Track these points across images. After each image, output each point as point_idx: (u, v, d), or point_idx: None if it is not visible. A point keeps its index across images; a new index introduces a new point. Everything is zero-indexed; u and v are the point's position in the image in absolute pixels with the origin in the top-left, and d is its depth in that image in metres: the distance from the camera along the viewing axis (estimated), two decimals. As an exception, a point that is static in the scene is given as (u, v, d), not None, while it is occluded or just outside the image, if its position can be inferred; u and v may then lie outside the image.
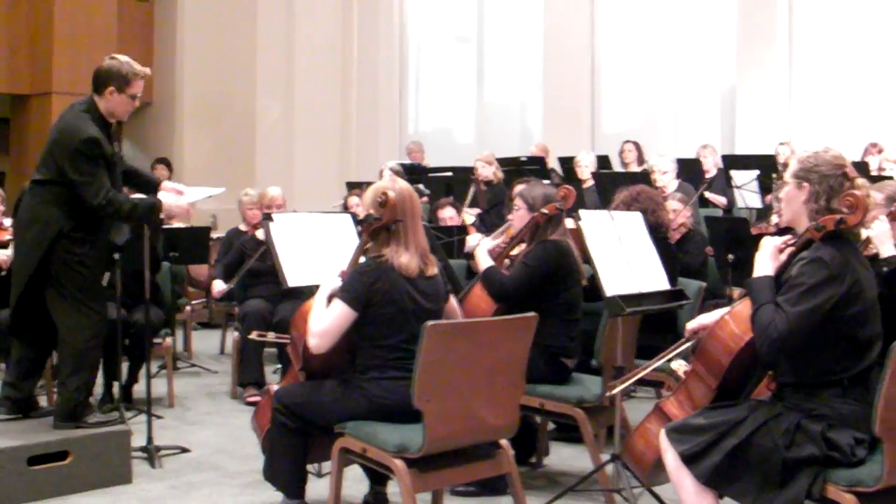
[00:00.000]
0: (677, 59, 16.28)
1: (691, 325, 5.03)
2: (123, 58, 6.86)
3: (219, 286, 10.24)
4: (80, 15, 17.02)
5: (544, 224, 6.67)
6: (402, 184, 5.64)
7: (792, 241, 4.65)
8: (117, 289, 7.93)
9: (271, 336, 8.24)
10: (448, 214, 10.93)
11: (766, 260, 4.66)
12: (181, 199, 7.10)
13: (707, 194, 12.17)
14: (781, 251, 4.65)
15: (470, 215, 11.40)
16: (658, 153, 12.31)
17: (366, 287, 5.29)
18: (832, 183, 4.57)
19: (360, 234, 6.00)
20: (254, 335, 7.84)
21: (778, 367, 4.69)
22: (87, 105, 6.75)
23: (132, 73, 6.80)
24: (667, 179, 11.34)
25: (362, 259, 5.51)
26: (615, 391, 5.71)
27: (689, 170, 12.17)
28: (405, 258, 5.37)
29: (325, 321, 5.34)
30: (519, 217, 6.81)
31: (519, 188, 7.75)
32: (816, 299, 4.37)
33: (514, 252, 6.92)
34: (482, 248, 6.72)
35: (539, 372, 6.31)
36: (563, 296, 6.62)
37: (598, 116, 17.12)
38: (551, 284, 6.59)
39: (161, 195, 6.98)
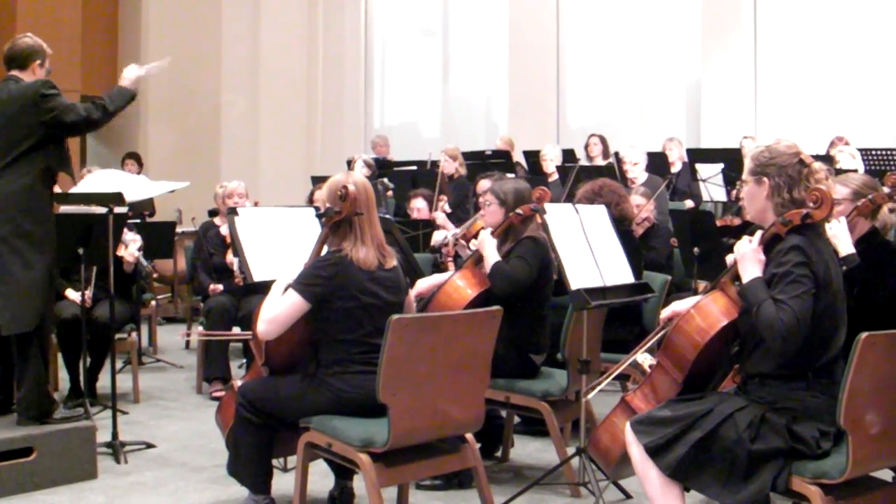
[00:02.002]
0: (642, 53, 16.30)
1: (665, 312, 5.02)
2: (33, 36, 7.00)
3: (212, 286, 9.96)
4: (44, 10, 16.95)
5: (519, 224, 6.66)
6: (359, 177, 5.65)
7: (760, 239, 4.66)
8: (83, 284, 7.92)
9: (235, 331, 8.21)
10: (419, 205, 10.86)
11: (750, 264, 4.65)
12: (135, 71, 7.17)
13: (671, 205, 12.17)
14: (758, 250, 4.66)
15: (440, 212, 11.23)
16: (630, 145, 12.31)
17: (322, 280, 5.29)
18: (790, 172, 4.59)
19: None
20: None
21: (743, 361, 4.71)
22: (17, 81, 6.83)
23: (47, 50, 6.99)
24: (637, 171, 11.36)
25: (323, 252, 5.50)
26: (591, 395, 5.70)
27: (654, 163, 12.18)
28: (363, 251, 5.37)
29: (276, 309, 5.35)
30: (490, 212, 6.79)
31: (487, 183, 7.75)
32: (809, 282, 4.39)
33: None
34: (490, 241, 6.66)
35: (507, 367, 6.33)
36: (535, 292, 6.63)
37: (564, 110, 17.13)
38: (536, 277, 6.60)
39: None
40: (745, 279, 4.61)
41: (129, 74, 7.07)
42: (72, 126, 6.77)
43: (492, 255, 6.55)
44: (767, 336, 4.42)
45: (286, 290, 5.39)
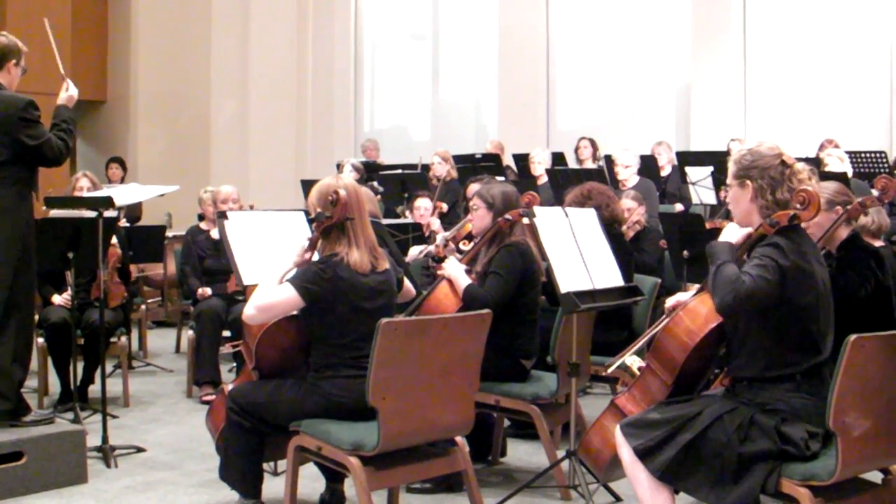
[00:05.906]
0: (632, 56, 16.31)
1: (669, 302, 5.03)
2: (7, 34, 6.89)
3: (201, 290, 9.92)
4: (33, 15, 16.88)
5: (507, 228, 6.66)
6: (349, 181, 5.65)
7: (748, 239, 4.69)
8: (72, 287, 7.93)
9: (226, 334, 8.19)
10: (424, 204, 10.84)
11: (729, 234, 4.69)
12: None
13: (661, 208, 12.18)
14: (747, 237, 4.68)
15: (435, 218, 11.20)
16: (623, 148, 12.33)
17: (321, 281, 5.29)
18: (773, 174, 4.62)
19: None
20: (228, 347, 7.58)
21: (731, 363, 4.72)
22: None
23: (22, 48, 6.87)
24: (628, 174, 11.37)
25: (315, 257, 5.50)
26: (613, 367, 5.61)
27: (644, 166, 12.19)
28: (357, 255, 5.37)
29: (270, 297, 5.37)
30: (479, 217, 6.77)
31: (476, 187, 7.73)
32: (775, 273, 4.40)
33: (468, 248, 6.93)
34: (457, 266, 6.63)
35: (497, 371, 6.32)
36: (523, 298, 6.62)
37: (553, 113, 17.14)
38: (517, 288, 6.59)
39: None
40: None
41: (75, 94, 7.05)
42: (49, 161, 6.70)
43: (462, 280, 6.53)
44: (719, 289, 4.42)
45: (281, 280, 5.41)
